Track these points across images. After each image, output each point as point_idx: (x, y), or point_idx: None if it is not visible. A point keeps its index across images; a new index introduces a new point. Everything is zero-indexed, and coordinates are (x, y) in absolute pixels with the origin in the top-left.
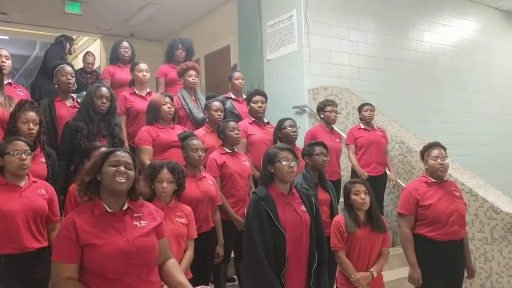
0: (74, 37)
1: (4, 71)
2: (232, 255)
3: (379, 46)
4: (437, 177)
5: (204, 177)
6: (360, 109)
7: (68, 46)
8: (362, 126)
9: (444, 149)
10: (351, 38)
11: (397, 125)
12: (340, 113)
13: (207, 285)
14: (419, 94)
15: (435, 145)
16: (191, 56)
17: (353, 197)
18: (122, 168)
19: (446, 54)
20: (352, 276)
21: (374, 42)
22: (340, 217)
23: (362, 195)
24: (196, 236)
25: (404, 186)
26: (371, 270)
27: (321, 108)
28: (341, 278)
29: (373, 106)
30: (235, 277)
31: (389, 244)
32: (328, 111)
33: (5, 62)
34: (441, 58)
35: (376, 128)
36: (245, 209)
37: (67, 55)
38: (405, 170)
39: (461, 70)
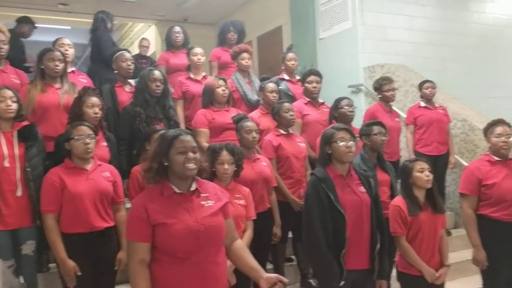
0: (129, 24)
1: (67, 59)
2: (290, 235)
3: (437, 20)
4: (501, 155)
5: (258, 158)
6: (420, 86)
7: (110, 24)
8: (423, 104)
9: (509, 126)
10: (407, 13)
11: (459, 103)
12: (397, 89)
13: (265, 264)
14: (482, 70)
15: (499, 122)
16: (243, 38)
17: (417, 174)
18: (191, 155)
19: None
20: (436, 275)
21: (431, 16)
22: (399, 200)
23: (427, 172)
24: (254, 217)
25: (467, 165)
26: (447, 263)
27: (377, 88)
28: (402, 262)
29: (434, 83)
30: (293, 257)
31: (445, 225)
32: (385, 90)
33: (68, 51)
34: (507, 30)
35: (437, 106)
36: (301, 190)
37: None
38: (468, 149)
39: None
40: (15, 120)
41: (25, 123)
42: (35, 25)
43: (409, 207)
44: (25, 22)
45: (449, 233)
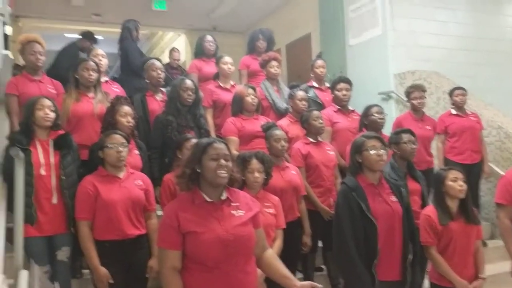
0: (160, 33)
1: (101, 69)
2: (320, 244)
3: (470, 25)
4: None
5: (288, 167)
6: (451, 93)
7: (135, 33)
8: (454, 112)
9: None
10: (439, 18)
11: (493, 109)
12: (426, 98)
13: (295, 274)
14: None
15: None
16: (272, 46)
17: (450, 183)
18: (223, 162)
19: None
20: (469, 287)
21: (464, 21)
22: (430, 210)
23: (461, 182)
24: (284, 226)
25: (503, 174)
26: (481, 275)
27: (407, 95)
28: (434, 273)
29: (465, 90)
30: (323, 266)
31: (481, 237)
32: (412, 98)
33: (101, 61)
34: None
35: (469, 113)
36: (331, 199)
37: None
38: (503, 157)
39: None
40: (52, 129)
41: (61, 132)
42: (96, 39)
43: (440, 216)
44: (88, 38)
45: (485, 244)
